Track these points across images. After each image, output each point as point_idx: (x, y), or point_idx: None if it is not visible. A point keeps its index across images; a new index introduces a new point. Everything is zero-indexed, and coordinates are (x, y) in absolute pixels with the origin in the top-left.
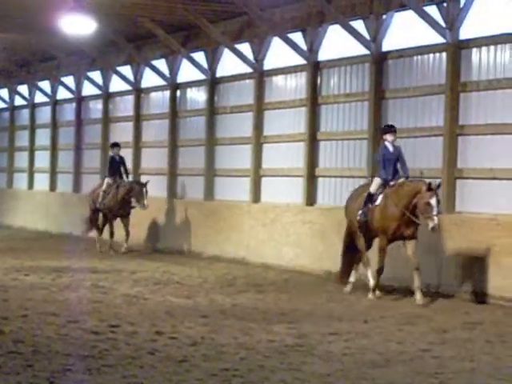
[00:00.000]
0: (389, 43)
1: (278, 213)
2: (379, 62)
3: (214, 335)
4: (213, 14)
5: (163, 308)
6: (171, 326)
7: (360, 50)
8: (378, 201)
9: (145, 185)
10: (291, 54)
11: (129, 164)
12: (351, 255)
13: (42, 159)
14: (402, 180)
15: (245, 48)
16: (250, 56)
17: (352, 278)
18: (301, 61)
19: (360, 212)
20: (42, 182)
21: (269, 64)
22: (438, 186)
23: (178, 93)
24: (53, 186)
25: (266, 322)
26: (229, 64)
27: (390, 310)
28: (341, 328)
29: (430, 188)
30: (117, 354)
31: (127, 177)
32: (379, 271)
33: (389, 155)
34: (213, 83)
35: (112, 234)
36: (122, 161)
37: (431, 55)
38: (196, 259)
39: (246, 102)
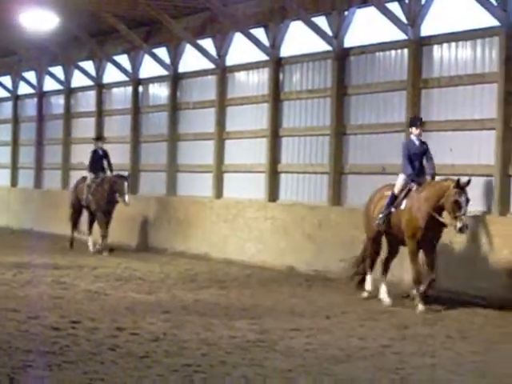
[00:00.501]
0: (351, 40)
1: (240, 208)
2: (341, 58)
3: (175, 331)
4: (175, 10)
5: (124, 304)
6: (132, 322)
7: (322, 46)
8: (403, 205)
9: (126, 178)
10: (253, 49)
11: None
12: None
13: (3, 155)
14: (428, 180)
15: (207, 44)
16: (213, 52)
17: (369, 286)
18: (263, 57)
19: (381, 216)
20: (3, 177)
21: (231, 60)
22: (468, 182)
23: (141, 88)
24: (14, 182)
25: (228, 318)
26: (191, 60)
27: (351, 305)
28: (303, 324)
29: (458, 185)
30: (77, 350)
31: (111, 171)
32: (417, 281)
33: (414, 150)
34: (175, 79)
35: (105, 234)
36: (105, 154)
37: (393, 52)
38: (158, 255)
39: (208, 98)
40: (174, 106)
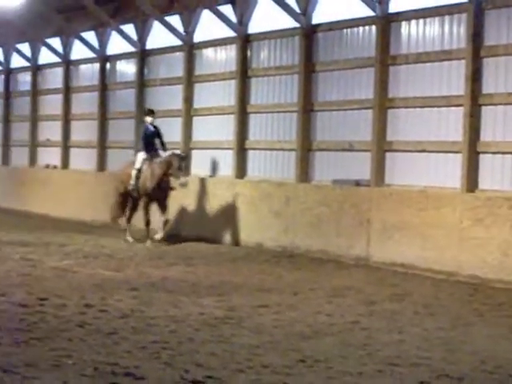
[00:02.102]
0: (319, 16)
1: (208, 185)
2: (309, 34)
3: (143, 308)
4: None
5: (92, 281)
6: (100, 299)
7: (290, 22)
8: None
9: (184, 158)
10: (221, 26)
11: (58, 137)
12: None
13: None
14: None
15: (175, 20)
16: (180, 28)
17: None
18: (231, 33)
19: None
20: None
21: (199, 37)
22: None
23: (108, 65)
24: None
25: (195, 295)
26: (159, 36)
27: (319, 282)
28: (270, 300)
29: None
30: (45, 327)
31: (164, 150)
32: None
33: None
34: (143, 56)
35: (148, 222)
36: (157, 131)
37: (361, 28)
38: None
39: (176, 75)
40: (142, 83)
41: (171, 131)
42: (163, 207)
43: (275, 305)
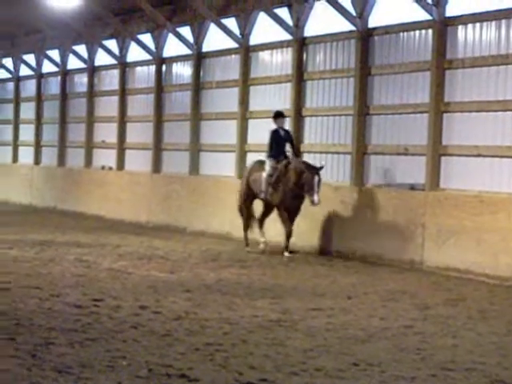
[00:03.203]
0: (375, 19)
1: None
2: (365, 38)
3: (197, 310)
4: None
5: (147, 282)
6: (155, 301)
7: (346, 26)
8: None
9: (318, 170)
10: (277, 29)
11: (114, 138)
12: None
13: (27, 133)
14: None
15: (231, 23)
16: (236, 31)
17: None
18: (287, 36)
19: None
20: (26, 155)
21: (255, 39)
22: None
23: (164, 67)
24: (37, 160)
25: (249, 297)
26: (215, 39)
27: (373, 286)
28: (324, 304)
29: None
30: (100, 328)
31: (296, 156)
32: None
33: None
34: (199, 58)
35: (291, 232)
36: (288, 136)
37: (417, 32)
38: (180, 234)
39: (231, 77)
40: (198, 85)
41: (226, 134)
42: (291, 220)
43: (329, 308)
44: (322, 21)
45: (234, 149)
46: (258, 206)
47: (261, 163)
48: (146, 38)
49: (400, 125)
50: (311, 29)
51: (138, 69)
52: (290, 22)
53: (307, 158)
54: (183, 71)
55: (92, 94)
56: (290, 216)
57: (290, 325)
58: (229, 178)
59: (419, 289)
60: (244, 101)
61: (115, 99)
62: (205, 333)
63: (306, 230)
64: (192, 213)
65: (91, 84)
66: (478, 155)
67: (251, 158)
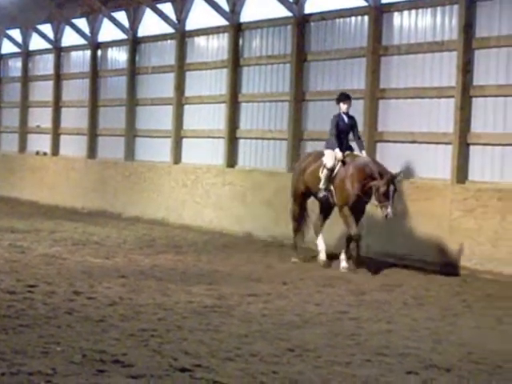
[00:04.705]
0: (311, 6)
1: (198, 174)
2: (301, 24)
3: (132, 295)
4: None
5: (81, 268)
6: (89, 286)
7: (283, 11)
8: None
9: (393, 179)
10: (213, 14)
11: (48, 124)
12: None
13: None
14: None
15: (167, 8)
16: (172, 16)
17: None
18: (223, 22)
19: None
20: None
21: (191, 24)
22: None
23: (99, 52)
24: None
25: (184, 283)
26: (151, 24)
27: (309, 272)
28: (260, 289)
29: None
30: (34, 314)
31: (362, 148)
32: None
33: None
34: (134, 43)
35: (355, 238)
36: (353, 122)
37: (353, 18)
38: (116, 220)
39: (167, 63)
40: (133, 71)
41: (162, 119)
42: (357, 220)
43: (264, 294)
44: (259, 6)
45: (170, 134)
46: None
47: (318, 154)
48: (81, 23)
49: (336, 111)
50: (247, 14)
51: (73, 54)
52: (226, 7)
53: (243, 144)
54: (118, 56)
55: (26, 78)
56: (355, 217)
57: (225, 310)
58: (164, 164)
59: (355, 275)
60: (180, 86)
61: (50, 84)
62: (139, 318)
63: (241, 215)
64: (127, 198)
65: (26, 69)
66: (414, 141)
67: (187, 144)
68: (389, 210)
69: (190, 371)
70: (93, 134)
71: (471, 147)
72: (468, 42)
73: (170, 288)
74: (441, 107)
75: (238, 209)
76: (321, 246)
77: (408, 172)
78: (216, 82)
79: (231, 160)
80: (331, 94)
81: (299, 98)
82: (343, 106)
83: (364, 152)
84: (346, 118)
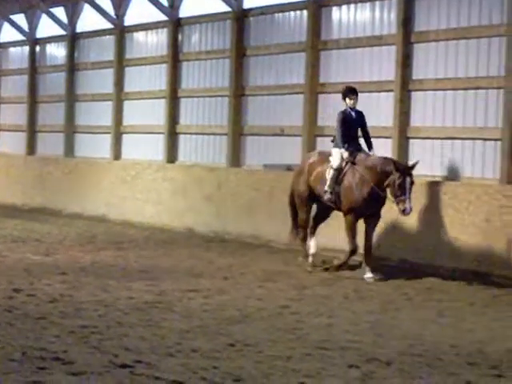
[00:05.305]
0: (251, 0)
1: (139, 170)
2: (240, 19)
3: (72, 292)
4: None
5: (21, 265)
6: (29, 284)
7: (222, 7)
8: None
9: (410, 170)
10: (152, 10)
11: None
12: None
13: None
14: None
15: (106, 3)
16: (111, 11)
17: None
18: (162, 17)
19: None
20: None
21: (130, 20)
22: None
23: (38, 48)
24: None
25: (125, 279)
26: (89, 19)
27: (250, 266)
28: (201, 284)
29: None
30: None
31: (370, 147)
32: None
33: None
34: (73, 39)
35: (369, 247)
36: (361, 119)
37: (292, 13)
38: (56, 217)
39: (106, 58)
40: (72, 66)
41: (102, 115)
42: (370, 229)
43: (205, 289)
44: (198, 1)
45: (110, 130)
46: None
47: (322, 154)
48: (19, 19)
49: (276, 106)
50: (187, 9)
51: (11, 49)
52: (165, 2)
53: (183, 139)
54: (57, 52)
55: None
56: (366, 225)
57: (166, 306)
58: (104, 160)
59: (297, 269)
60: (119, 82)
61: None
62: (80, 315)
63: (181, 210)
64: (68, 195)
65: None
66: None
67: (127, 139)
68: (407, 204)
69: (130, 367)
70: (32, 130)
71: (411, 141)
72: (407, 36)
73: (111, 284)
74: (380, 101)
75: (179, 204)
76: (312, 249)
77: None
78: (155, 78)
79: (171, 155)
80: (271, 89)
81: (239, 92)
82: (349, 101)
83: (373, 151)
84: (353, 114)
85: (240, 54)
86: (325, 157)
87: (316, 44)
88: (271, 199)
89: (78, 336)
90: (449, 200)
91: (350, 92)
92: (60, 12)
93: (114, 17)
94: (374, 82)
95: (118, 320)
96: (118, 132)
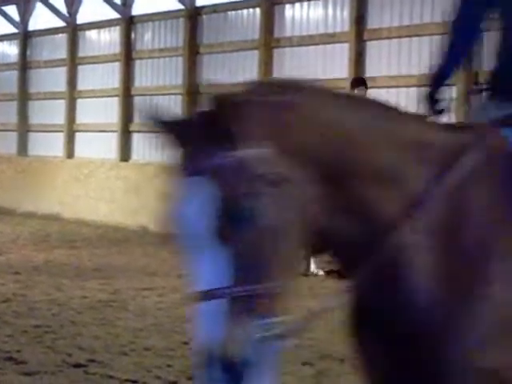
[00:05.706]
0: None
1: (92, 168)
2: (193, 16)
3: (26, 291)
4: None
5: None
6: None
7: (174, 4)
8: None
9: None
10: (105, 8)
11: None
12: None
13: None
14: None
15: (58, 2)
16: (64, 9)
17: None
18: (115, 15)
19: None
20: None
21: (82, 18)
22: None
23: None
24: None
25: (79, 278)
26: (42, 17)
27: None
28: (155, 283)
29: None
30: None
31: None
32: None
33: None
34: (25, 37)
35: None
36: None
37: (245, 10)
38: (8, 216)
39: (59, 57)
40: (24, 65)
41: (55, 113)
42: None
43: (160, 287)
44: None
45: (63, 129)
46: None
47: None
48: None
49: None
50: (139, 7)
51: None
52: (117, 0)
53: (137, 137)
54: (9, 50)
55: None
56: None
57: (120, 305)
58: (58, 159)
59: None
60: (72, 80)
61: None
62: (33, 315)
63: (136, 209)
64: (21, 194)
65: None
66: None
67: (80, 138)
68: None
69: (84, 366)
70: None
71: None
72: (359, 34)
73: (64, 283)
74: None
75: (133, 203)
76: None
77: None
78: (108, 76)
79: (125, 154)
80: (224, 87)
81: (192, 90)
82: (359, 93)
83: None
84: None
85: (193, 51)
86: None
87: (269, 42)
88: None
89: (31, 335)
90: None
91: (358, 83)
92: (12, 10)
93: (67, 15)
94: (328, 79)
95: (72, 319)
96: (71, 130)
